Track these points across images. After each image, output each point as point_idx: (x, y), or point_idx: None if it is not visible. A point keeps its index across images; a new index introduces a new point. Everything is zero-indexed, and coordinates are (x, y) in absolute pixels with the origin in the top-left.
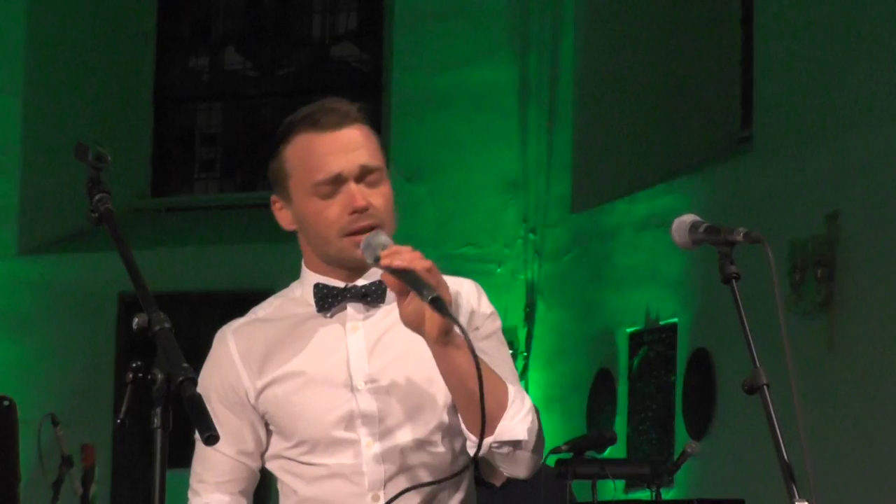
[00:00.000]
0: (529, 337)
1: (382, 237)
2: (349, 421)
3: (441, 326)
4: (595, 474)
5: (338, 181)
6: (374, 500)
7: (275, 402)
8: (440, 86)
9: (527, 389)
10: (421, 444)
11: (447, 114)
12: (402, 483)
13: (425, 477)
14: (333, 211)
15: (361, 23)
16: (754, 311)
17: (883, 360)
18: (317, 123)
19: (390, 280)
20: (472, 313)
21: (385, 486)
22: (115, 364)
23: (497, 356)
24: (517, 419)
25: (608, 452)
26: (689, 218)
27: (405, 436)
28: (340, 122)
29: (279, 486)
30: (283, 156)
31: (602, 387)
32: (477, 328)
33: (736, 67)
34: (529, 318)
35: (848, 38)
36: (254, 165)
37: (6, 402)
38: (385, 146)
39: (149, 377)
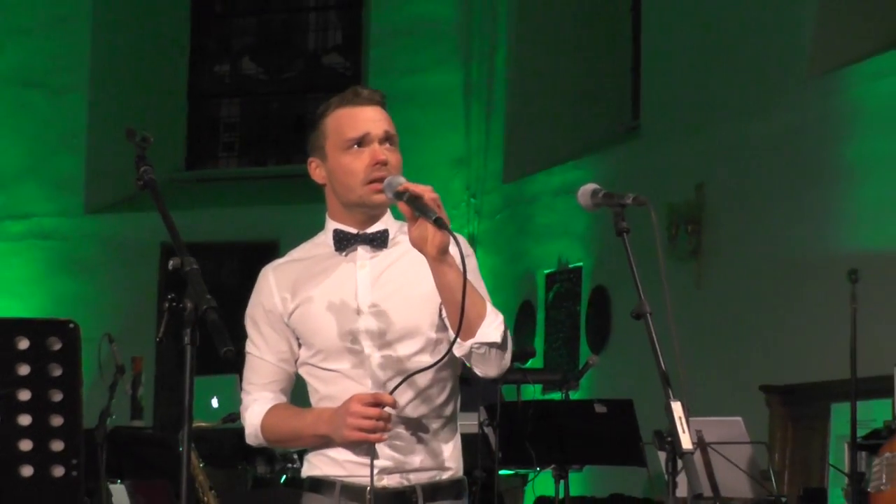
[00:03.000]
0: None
1: (401, 178)
2: (354, 335)
3: (439, 245)
4: (519, 380)
5: (365, 140)
6: None
7: (300, 319)
8: (404, 86)
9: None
10: (412, 355)
11: (410, 107)
12: (399, 382)
13: (417, 380)
14: (360, 163)
15: (345, 39)
16: (640, 257)
17: (736, 294)
18: (350, 101)
19: (404, 207)
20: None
21: (384, 385)
22: (157, 296)
23: (476, 284)
24: (492, 327)
25: (529, 363)
26: (591, 186)
27: (400, 348)
28: (368, 102)
29: (308, 387)
30: (323, 124)
31: (525, 314)
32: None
33: (628, 73)
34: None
35: (714, 52)
36: (264, 147)
37: (72, 325)
38: None
39: (181, 306)
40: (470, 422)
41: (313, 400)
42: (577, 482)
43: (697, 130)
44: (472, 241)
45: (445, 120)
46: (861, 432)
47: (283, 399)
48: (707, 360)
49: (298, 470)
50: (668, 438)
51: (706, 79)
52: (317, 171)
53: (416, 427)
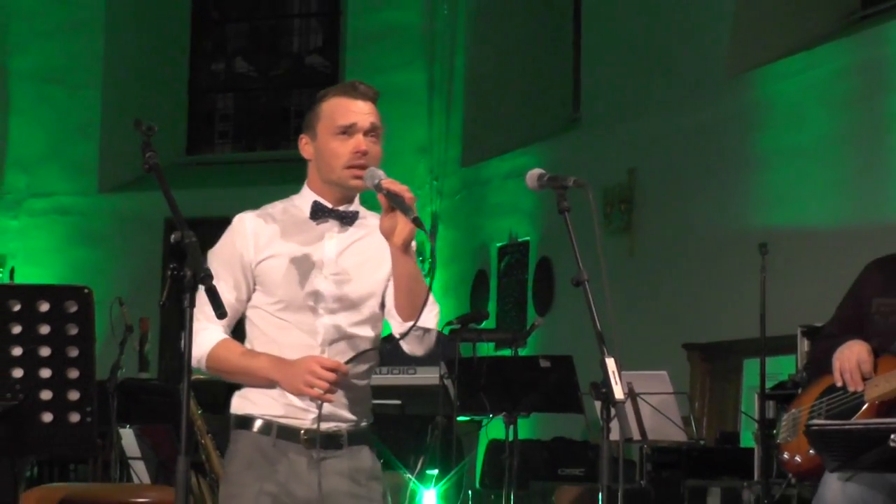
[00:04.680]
0: (433, 248)
1: (381, 172)
2: (315, 296)
3: (406, 239)
4: (474, 339)
5: (352, 129)
6: (321, 352)
7: (268, 270)
8: (376, 83)
9: (431, 284)
10: (357, 322)
11: (380, 101)
12: (342, 345)
13: (357, 342)
14: (345, 149)
15: (325, 42)
16: (579, 232)
17: (663, 264)
18: (347, 93)
19: (384, 200)
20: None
21: (330, 344)
22: (161, 265)
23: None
24: (431, 315)
25: (483, 324)
26: (537, 171)
27: (348, 315)
28: (362, 96)
29: (249, 329)
30: (320, 107)
31: (480, 282)
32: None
33: (569, 72)
34: (433, 236)
35: (644, 54)
36: (254, 135)
37: (86, 290)
38: None
39: (181, 273)
40: (432, 375)
41: (257, 341)
42: (525, 427)
43: (630, 122)
44: (435, 219)
45: (411, 113)
46: (769, 384)
47: (227, 334)
48: (637, 321)
49: None
50: (602, 389)
51: (637, 77)
52: (306, 147)
53: (351, 385)
